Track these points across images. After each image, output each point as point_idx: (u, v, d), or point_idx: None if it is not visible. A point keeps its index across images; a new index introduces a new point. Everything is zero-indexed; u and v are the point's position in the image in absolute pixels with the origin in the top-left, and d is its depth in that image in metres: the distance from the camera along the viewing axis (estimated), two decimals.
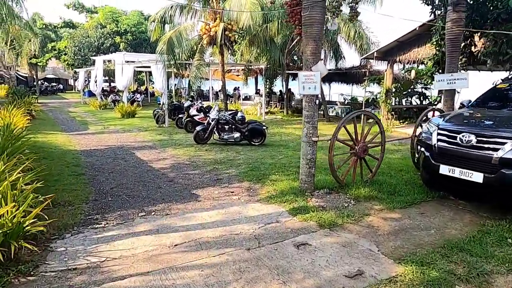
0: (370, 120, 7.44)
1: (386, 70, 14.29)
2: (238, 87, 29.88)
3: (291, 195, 5.85)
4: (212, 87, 24.96)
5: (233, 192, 6.20)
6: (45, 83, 43.31)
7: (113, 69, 22.92)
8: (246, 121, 11.30)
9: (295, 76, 24.07)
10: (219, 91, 28.64)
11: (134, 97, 25.02)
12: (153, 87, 42.39)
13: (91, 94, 29.10)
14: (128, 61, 18.94)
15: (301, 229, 4.67)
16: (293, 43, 15.30)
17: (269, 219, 4.99)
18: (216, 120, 11.01)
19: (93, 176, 7.14)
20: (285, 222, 4.89)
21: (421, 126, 7.21)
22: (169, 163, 8.40)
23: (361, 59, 15.58)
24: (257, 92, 25.59)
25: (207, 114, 13.54)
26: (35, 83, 38.33)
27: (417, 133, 7.25)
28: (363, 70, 16.53)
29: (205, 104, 17.15)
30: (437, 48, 10.98)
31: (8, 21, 22.49)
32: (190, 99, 15.05)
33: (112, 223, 4.81)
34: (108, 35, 28.08)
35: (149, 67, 27.52)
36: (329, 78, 16.68)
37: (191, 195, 6.01)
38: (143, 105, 25.51)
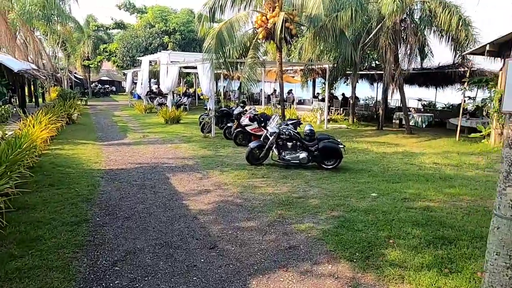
0: None
1: (501, 69, 10.64)
2: (291, 90, 27.03)
3: None
4: (262, 90, 22.40)
5: None
6: (99, 85, 43.94)
7: (159, 70, 21.31)
8: (315, 135, 8.46)
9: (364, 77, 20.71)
10: (271, 94, 26.04)
11: (181, 100, 23.25)
12: (201, 90, 41.12)
13: (140, 96, 28.06)
14: (173, 61, 16.99)
15: None
16: (372, 35, 12.14)
17: None
18: (276, 134, 8.31)
19: (99, 226, 4.75)
20: None
21: None
22: (212, 202, 5.83)
23: (463, 54, 12.00)
24: (316, 96, 22.57)
25: (262, 124, 10.94)
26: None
27: None
28: (461, 70, 12.90)
29: (256, 108, 14.60)
30: None
31: (59, 22, 21.90)
32: (242, 104, 12.61)
33: None
34: (156, 34, 26.75)
35: (196, 67, 25.84)
36: (411, 79, 13.34)
37: None
38: (190, 109, 23.70)
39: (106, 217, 5.06)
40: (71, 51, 27.00)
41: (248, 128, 10.92)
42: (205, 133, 13.01)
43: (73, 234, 4.35)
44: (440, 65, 14.77)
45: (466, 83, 12.08)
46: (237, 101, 26.49)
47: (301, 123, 9.41)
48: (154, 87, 35.38)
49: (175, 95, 24.14)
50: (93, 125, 16.47)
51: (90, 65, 34.22)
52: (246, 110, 12.34)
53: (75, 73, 38.98)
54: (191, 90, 34.53)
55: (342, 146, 8.22)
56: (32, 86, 22.45)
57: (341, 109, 19.91)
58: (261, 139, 8.70)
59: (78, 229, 4.52)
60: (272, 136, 8.31)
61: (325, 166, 8.31)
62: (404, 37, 12.49)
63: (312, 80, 22.78)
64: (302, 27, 14.02)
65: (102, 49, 32.69)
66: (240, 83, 13.06)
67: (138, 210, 5.39)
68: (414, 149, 11.20)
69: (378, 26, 11.90)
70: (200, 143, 11.63)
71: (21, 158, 6.73)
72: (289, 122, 10.86)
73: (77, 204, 5.52)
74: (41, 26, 22.33)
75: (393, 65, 12.45)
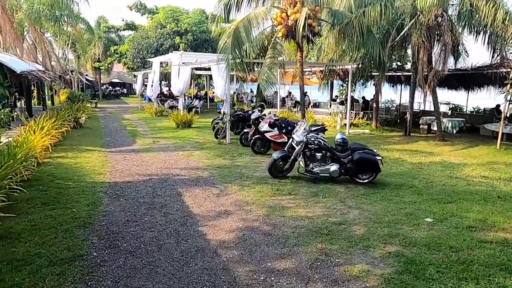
0: None
1: None
2: (306, 92, 25.92)
3: None
4: (278, 93, 21.33)
5: None
6: (110, 87, 43.48)
7: (170, 71, 20.48)
8: (348, 145, 7.38)
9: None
10: (286, 97, 25.00)
11: (192, 103, 22.37)
12: (213, 92, 40.28)
13: (150, 99, 27.31)
14: (185, 62, 16.09)
15: None
16: (404, 32, 10.97)
17: None
18: (304, 144, 7.26)
19: (96, 265, 3.77)
20: None
21: None
22: (234, 229, 4.81)
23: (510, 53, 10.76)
24: (334, 99, 21.44)
25: (283, 131, 9.91)
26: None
27: None
28: (503, 71, 11.65)
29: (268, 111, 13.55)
30: None
31: (68, 23, 21.28)
32: (259, 108, 11.61)
33: None
34: (167, 35, 25.95)
35: (208, 69, 24.91)
36: (441, 81, 12.14)
37: None
38: (202, 112, 22.81)
39: (106, 250, 4.09)
40: (81, 52, 26.41)
41: (267, 135, 9.89)
42: (220, 139, 12.03)
43: (61, 281, 3.37)
44: (475, 65, 13.50)
45: (509, 85, 10.84)
46: (251, 104, 25.55)
47: (326, 130, 8.36)
48: (165, 89, 34.70)
49: (186, 97, 23.30)
50: (101, 129, 15.66)
51: (101, 67, 33.68)
52: (264, 115, 11.36)
53: (86, 75, 38.60)
54: (202, 93, 33.71)
55: (380, 158, 7.12)
56: (42, 89, 21.83)
57: (362, 113, 18.75)
58: (285, 148, 7.66)
59: (68, 271, 3.54)
60: (299, 146, 7.27)
61: (359, 181, 7.23)
62: (439, 34, 11.33)
63: (330, 82, 21.65)
64: (320, 25, 12.93)
65: (112, 51, 32.13)
66: (258, 85, 12.03)
67: (146, 240, 4.40)
68: (453, 159, 10.01)
69: (411, 23, 10.77)
70: (214, 151, 10.65)
71: (13, 171, 5.84)
72: (312, 129, 9.86)
73: (72, 231, 4.56)
74: (51, 27, 21.76)
75: (426, 66, 11.29)
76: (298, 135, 7.36)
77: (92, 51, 32.32)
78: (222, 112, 13.24)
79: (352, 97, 20.69)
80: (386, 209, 5.66)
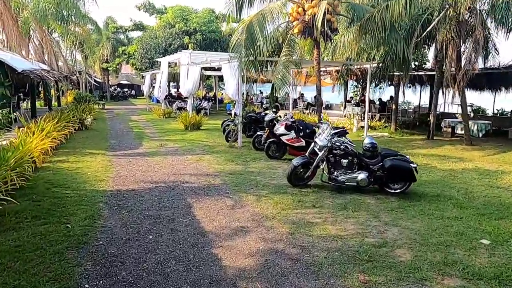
0: None
1: None
2: None
3: None
4: (290, 94, 20.51)
5: None
6: (118, 88, 43.16)
7: (179, 72, 19.85)
8: (377, 151, 6.56)
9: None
10: (298, 98, 24.17)
11: (201, 104, 21.70)
12: (222, 94, 39.58)
13: (158, 100, 26.73)
14: (194, 62, 15.41)
15: None
16: (431, 27, 10.06)
17: None
18: (328, 149, 6.47)
19: None
20: None
21: None
22: (254, 252, 4.04)
23: None
24: (349, 100, 20.57)
25: (300, 134, 9.12)
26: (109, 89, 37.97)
27: None
28: None
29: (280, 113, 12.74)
30: None
31: (75, 22, 20.81)
32: (274, 109, 10.85)
33: None
34: (176, 35, 25.33)
35: (218, 69, 24.20)
36: (471, 82, 11.18)
37: None
38: (210, 113, 22.14)
39: (100, 281, 3.35)
40: (89, 53, 25.96)
41: (283, 138, 9.11)
42: (231, 142, 11.29)
43: None
44: (506, 64, 12.54)
45: None
46: (263, 105, 24.79)
47: (347, 133, 7.58)
48: (173, 91, 34.10)
49: (194, 99, 22.66)
50: (107, 131, 15.05)
51: (109, 68, 33.29)
52: (280, 116, 10.60)
53: (95, 76, 38.32)
54: (211, 94, 33.08)
55: (414, 165, 6.29)
56: (48, 89, 21.36)
57: (378, 115, 17.85)
58: (307, 154, 6.87)
59: None
60: (322, 151, 6.47)
61: (389, 191, 6.41)
62: (469, 30, 10.44)
63: (344, 83, 20.79)
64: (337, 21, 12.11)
65: (120, 52, 31.70)
66: (272, 85, 11.28)
67: (149, 266, 3.66)
68: (487, 166, 9.11)
69: (438, 17, 9.91)
70: (225, 155, 9.91)
71: (1, 178, 5.17)
72: (333, 132, 9.08)
73: (63, 253, 3.84)
74: (58, 27, 21.32)
75: (454, 64, 10.41)
76: (322, 139, 6.57)
77: (100, 52, 31.95)
78: (233, 114, 12.49)
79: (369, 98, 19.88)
80: (429, 227, 4.84)
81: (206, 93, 33.28)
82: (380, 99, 18.91)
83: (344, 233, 4.59)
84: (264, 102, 26.86)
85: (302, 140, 9.05)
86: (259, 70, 11.62)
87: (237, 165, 8.73)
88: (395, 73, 13.63)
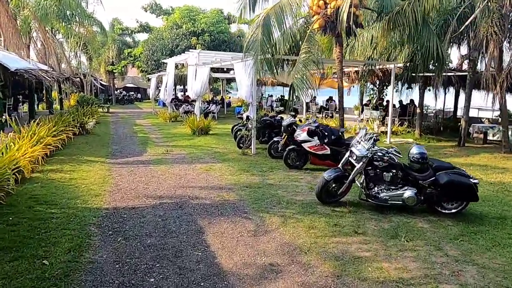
0: None
1: None
2: (332, 97, 23.94)
3: None
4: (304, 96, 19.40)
5: None
6: (124, 92, 42.42)
7: (186, 74, 18.88)
8: (429, 162, 5.41)
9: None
10: (310, 101, 23.05)
11: (209, 108, 20.67)
12: (229, 97, 38.57)
13: (164, 103, 25.79)
14: (203, 63, 14.40)
15: None
16: (470, 20, 8.90)
17: None
18: (367, 160, 5.35)
19: None
20: None
21: None
22: None
23: None
24: (366, 104, 19.41)
25: (325, 141, 8.01)
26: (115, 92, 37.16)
27: None
28: None
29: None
30: None
31: (78, 21, 20.01)
32: (292, 113, 9.77)
33: None
34: (183, 36, 24.39)
35: (227, 71, 23.21)
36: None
37: None
38: (218, 117, 21.09)
39: None
40: (93, 54, 25.16)
41: (305, 146, 7.99)
42: (244, 149, 10.20)
43: None
44: None
45: None
46: (273, 109, 23.71)
47: (378, 140, 6.48)
48: (179, 94, 33.14)
49: (201, 102, 21.68)
50: (110, 135, 14.06)
51: (114, 70, 32.50)
52: (300, 121, 9.53)
53: (101, 79, 37.57)
54: (218, 97, 32.09)
55: (475, 181, 5.15)
56: (49, 91, 20.54)
57: (397, 119, 16.65)
58: (340, 166, 5.75)
59: None
60: (361, 162, 5.35)
61: (442, 211, 5.27)
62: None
63: (365, 84, 19.61)
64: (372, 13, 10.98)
65: (126, 54, 30.91)
66: (291, 87, 10.21)
67: None
68: None
69: (480, 8, 8.77)
70: (238, 163, 8.83)
71: None
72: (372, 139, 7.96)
73: None
74: (61, 27, 20.55)
75: (496, 63, 9.26)
76: (360, 148, 5.45)
77: (105, 54, 31.19)
78: (244, 117, 11.40)
79: (388, 101, 18.72)
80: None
81: (213, 96, 32.31)
82: (400, 102, 17.72)
83: (407, 275, 3.47)
84: (274, 105, 25.79)
85: (327, 147, 7.95)
86: (275, 70, 10.53)
87: (253, 176, 7.64)
88: (426, 74, 12.44)
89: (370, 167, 5.45)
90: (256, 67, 9.20)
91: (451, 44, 11.12)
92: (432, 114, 18.68)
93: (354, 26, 9.82)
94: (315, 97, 23.57)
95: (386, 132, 14.05)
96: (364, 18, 11.60)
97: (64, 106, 23.76)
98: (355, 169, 5.42)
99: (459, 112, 18.48)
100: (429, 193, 5.28)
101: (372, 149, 5.37)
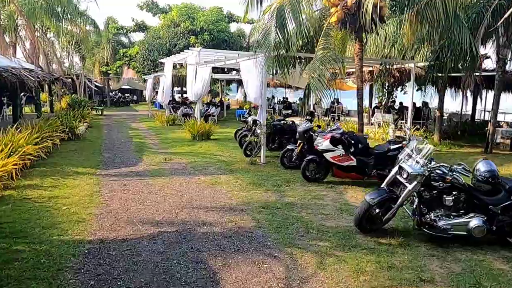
0: None
1: None
2: (338, 99, 22.76)
3: None
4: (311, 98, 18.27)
5: None
6: (119, 93, 41.13)
7: (185, 74, 17.72)
8: (500, 182, 4.30)
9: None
10: (315, 104, 21.91)
11: (209, 111, 19.49)
12: (228, 99, 37.38)
13: (161, 105, 24.56)
14: (205, 62, 13.26)
15: None
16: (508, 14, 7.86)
17: None
18: (422, 179, 4.21)
19: None
20: None
21: None
22: None
23: None
24: (377, 106, 18.35)
25: (351, 150, 6.89)
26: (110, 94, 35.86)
27: None
28: None
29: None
30: None
31: (69, 18, 18.79)
32: (308, 117, 8.67)
33: None
34: (181, 34, 23.22)
35: (227, 71, 22.05)
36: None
37: None
38: (218, 120, 19.91)
39: None
40: (86, 54, 23.93)
41: (328, 155, 6.85)
42: (252, 158, 9.05)
43: None
44: None
45: None
46: (275, 111, 22.59)
47: (403, 147, 5.41)
48: (176, 96, 31.93)
49: (200, 105, 20.50)
50: (102, 141, 12.85)
51: (109, 71, 31.24)
52: (319, 126, 8.40)
53: (95, 81, 36.26)
54: (217, 100, 30.90)
55: None
56: (37, 93, 19.24)
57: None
58: (384, 186, 4.61)
59: None
60: (414, 182, 4.22)
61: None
62: None
63: (369, 86, 18.59)
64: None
65: (121, 54, 29.66)
66: (307, 86, 9.11)
67: None
68: None
69: None
70: (248, 175, 7.68)
71: None
72: (392, 147, 6.86)
73: None
74: (52, 25, 19.29)
75: None
76: (411, 164, 4.31)
77: (100, 54, 29.92)
78: (250, 122, 10.20)
79: (401, 103, 17.68)
80: None
81: (212, 99, 31.11)
82: (414, 104, 16.61)
83: None
84: (277, 108, 24.64)
85: (353, 158, 6.82)
86: (287, 68, 9.40)
87: (267, 192, 6.49)
88: (452, 74, 11.36)
89: (423, 188, 4.33)
90: (268, 65, 8.06)
91: (487, 40, 10.05)
92: (446, 117, 17.64)
93: (378, 19, 8.73)
94: (337, 99, 21.79)
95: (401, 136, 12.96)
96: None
97: (55, 108, 22.51)
98: (406, 190, 4.28)
99: (477, 115, 17.51)
100: (502, 221, 4.16)
101: (430, 165, 4.24)
